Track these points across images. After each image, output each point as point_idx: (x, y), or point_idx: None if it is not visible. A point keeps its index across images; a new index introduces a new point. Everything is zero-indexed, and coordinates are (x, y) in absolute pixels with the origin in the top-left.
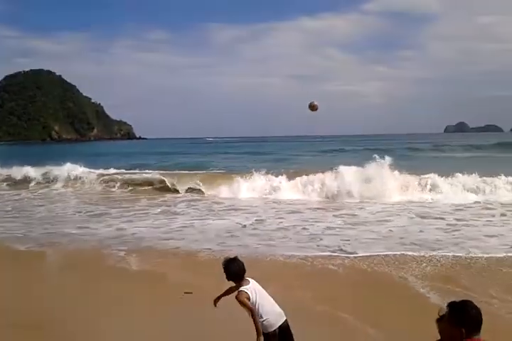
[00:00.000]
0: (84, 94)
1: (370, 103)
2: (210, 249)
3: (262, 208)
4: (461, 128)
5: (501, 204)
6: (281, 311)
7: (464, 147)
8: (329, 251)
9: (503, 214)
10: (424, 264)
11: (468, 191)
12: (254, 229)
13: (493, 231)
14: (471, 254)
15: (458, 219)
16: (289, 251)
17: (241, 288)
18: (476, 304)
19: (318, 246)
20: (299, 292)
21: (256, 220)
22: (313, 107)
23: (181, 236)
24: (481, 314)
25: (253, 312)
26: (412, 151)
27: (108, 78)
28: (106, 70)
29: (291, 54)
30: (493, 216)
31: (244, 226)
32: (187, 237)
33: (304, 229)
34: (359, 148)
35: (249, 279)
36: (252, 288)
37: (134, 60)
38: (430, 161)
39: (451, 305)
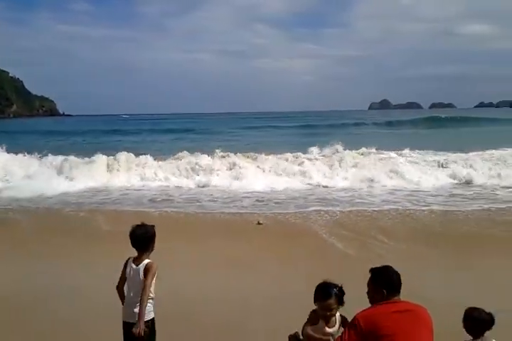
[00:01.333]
0: (1, 68)
1: (300, 80)
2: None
3: None
4: (384, 105)
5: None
6: None
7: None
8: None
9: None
10: (326, 216)
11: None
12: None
13: (375, 193)
14: (360, 208)
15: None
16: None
17: (152, 261)
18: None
19: (235, 206)
20: (232, 243)
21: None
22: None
23: (118, 202)
24: (399, 278)
25: (148, 290)
26: (331, 128)
27: (28, 51)
28: (26, 43)
29: (221, 29)
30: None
31: None
32: (123, 202)
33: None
34: (282, 125)
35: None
36: None
37: (55, 32)
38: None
39: (373, 270)
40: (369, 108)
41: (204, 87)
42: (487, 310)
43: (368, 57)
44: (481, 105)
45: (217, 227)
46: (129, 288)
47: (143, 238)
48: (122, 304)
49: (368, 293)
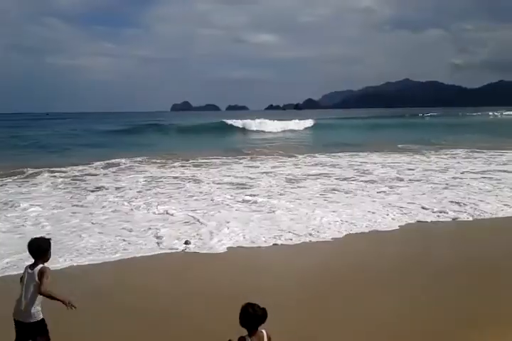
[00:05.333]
0: None
1: (100, 79)
2: None
3: None
4: (186, 106)
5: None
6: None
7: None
8: None
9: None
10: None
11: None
12: None
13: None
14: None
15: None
16: None
17: (46, 265)
18: None
19: None
20: None
21: None
22: None
23: None
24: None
25: (45, 289)
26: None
27: None
28: None
29: (6, 21)
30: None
31: None
32: None
33: None
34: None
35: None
36: None
37: None
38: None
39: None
40: (171, 109)
41: None
42: (261, 306)
43: (169, 59)
44: (270, 108)
45: None
46: (23, 290)
47: (36, 249)
48: None
49: None
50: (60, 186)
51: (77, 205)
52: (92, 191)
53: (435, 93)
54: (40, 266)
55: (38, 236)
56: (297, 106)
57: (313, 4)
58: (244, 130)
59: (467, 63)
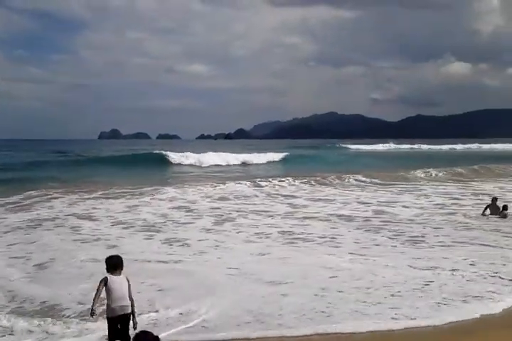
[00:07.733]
0: None
1: (22, 105)
2: None
3: None
4: (114, 134)
5: None
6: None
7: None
8: None
9: None
10: None
11: None
12: None
13: None
14: None
15: None
16: None
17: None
18: None
19: None
20: None
21: None
22: None
23: None
24: None
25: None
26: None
27: None
28: None
29: None
30: None
31: None
32: None
33: None
34: None
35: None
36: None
37: None
38: None
39: None
40: (99, 137)
41: None
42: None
43: (98, 86)
44: (202, 137)
45: None
46: (121, 291)
47: (119, 263)
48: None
49: None
50: None
51: None
52: None
53: (359, 125)
54: (122, 273)
55: (113, 254)
56: (228, 136)
57: (244, 37)
58: (177, 164)
59: (386, 98)
